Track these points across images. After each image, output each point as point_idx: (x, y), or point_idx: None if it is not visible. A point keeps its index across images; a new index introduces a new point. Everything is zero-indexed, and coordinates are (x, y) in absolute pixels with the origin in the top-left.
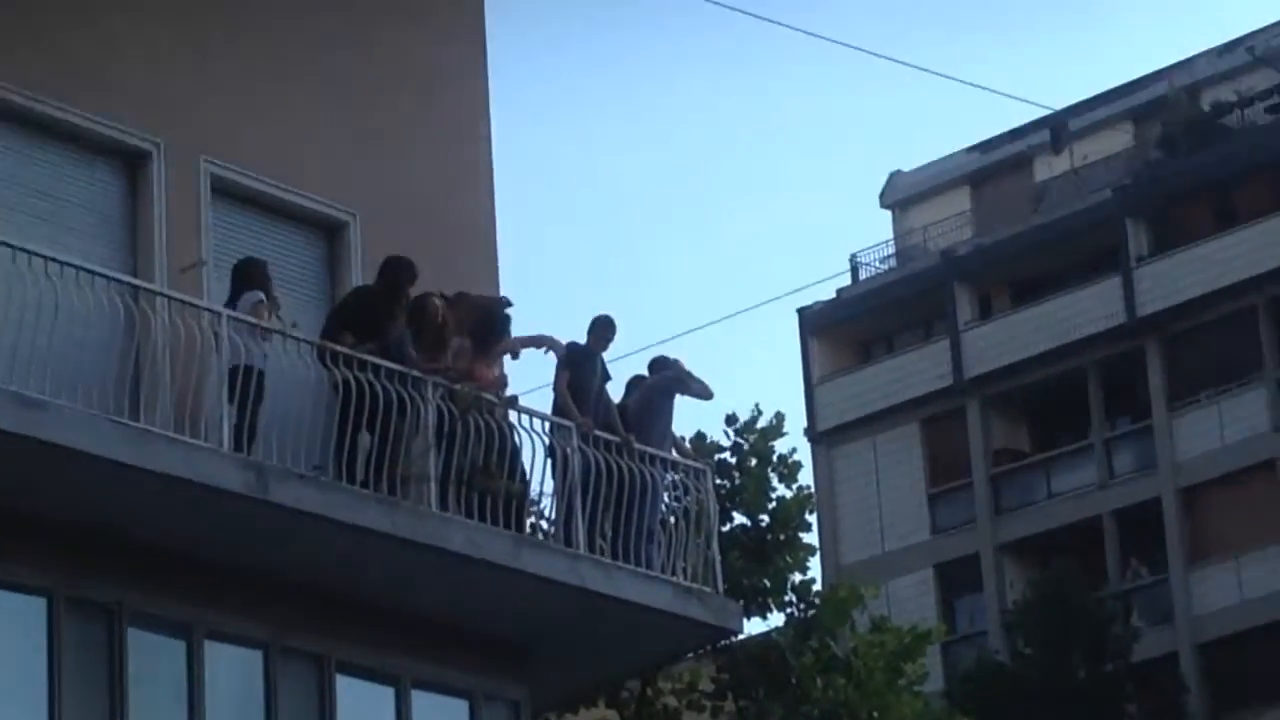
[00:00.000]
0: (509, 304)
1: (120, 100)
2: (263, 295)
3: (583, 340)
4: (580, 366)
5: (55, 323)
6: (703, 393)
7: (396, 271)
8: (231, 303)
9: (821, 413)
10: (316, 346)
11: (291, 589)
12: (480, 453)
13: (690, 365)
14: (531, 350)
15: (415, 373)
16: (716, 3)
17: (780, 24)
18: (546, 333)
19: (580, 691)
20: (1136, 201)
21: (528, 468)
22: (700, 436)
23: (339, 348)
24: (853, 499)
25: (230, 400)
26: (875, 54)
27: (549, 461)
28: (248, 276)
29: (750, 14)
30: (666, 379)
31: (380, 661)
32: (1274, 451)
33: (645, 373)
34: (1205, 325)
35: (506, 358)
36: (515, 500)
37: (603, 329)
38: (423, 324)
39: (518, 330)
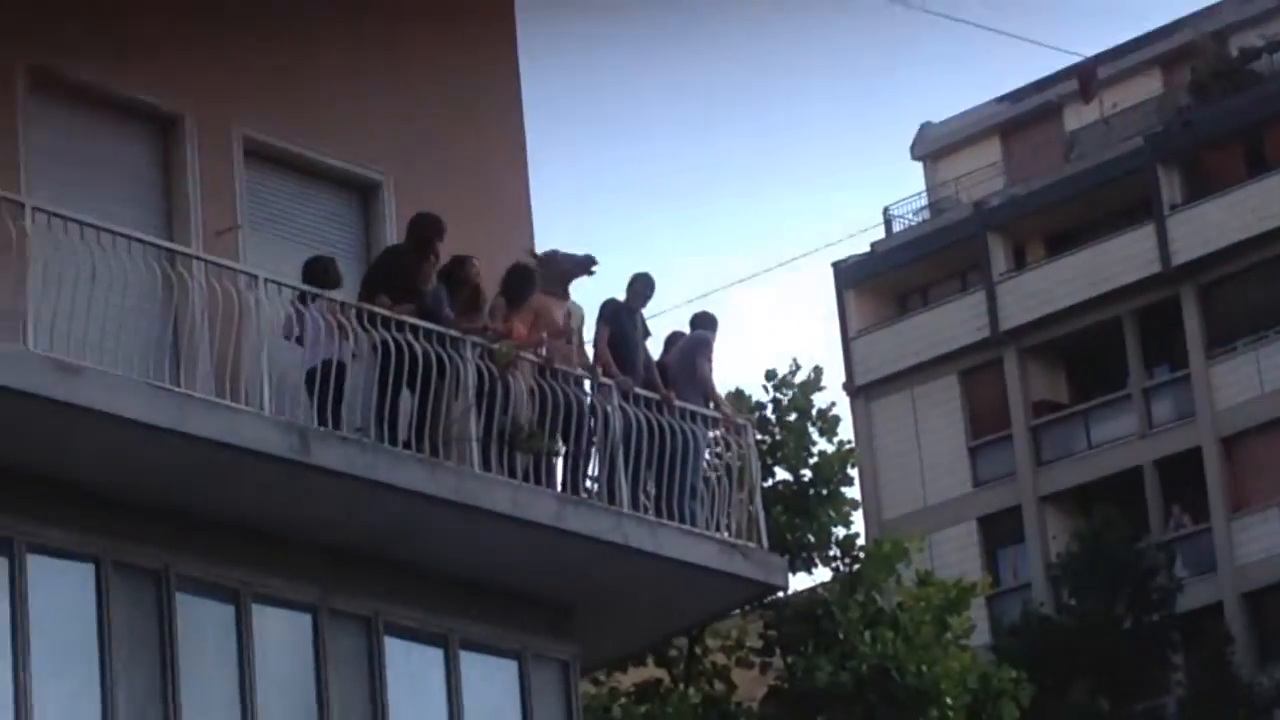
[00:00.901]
0: (594, 263)
1: (153, 66)
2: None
3: (621, 297)
4: (619, 322)
5: (93, 288)
6: (703, 376)
7: (425, 228)
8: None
9: (859, 366)
10: (355, 309)
11: (338, 551)
12: (521, 412)
13: (727, 322)
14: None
15: (453, 332)
16: None
17: None
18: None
19: (629, 650)
20: (1167, 149)
21: (571, 427)
22: (739, 393)
23: (376, 309)
24: (893, 453)
25: (311, 395)
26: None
27: (590, 420)
28: (324, 275)
29: None
30: (698, 338)
31: (428, 622)
32: None
33: (685, 329)
34: (1241, 272)
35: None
36: (558, 459)
37: (641, 286)
38: (460, 284)
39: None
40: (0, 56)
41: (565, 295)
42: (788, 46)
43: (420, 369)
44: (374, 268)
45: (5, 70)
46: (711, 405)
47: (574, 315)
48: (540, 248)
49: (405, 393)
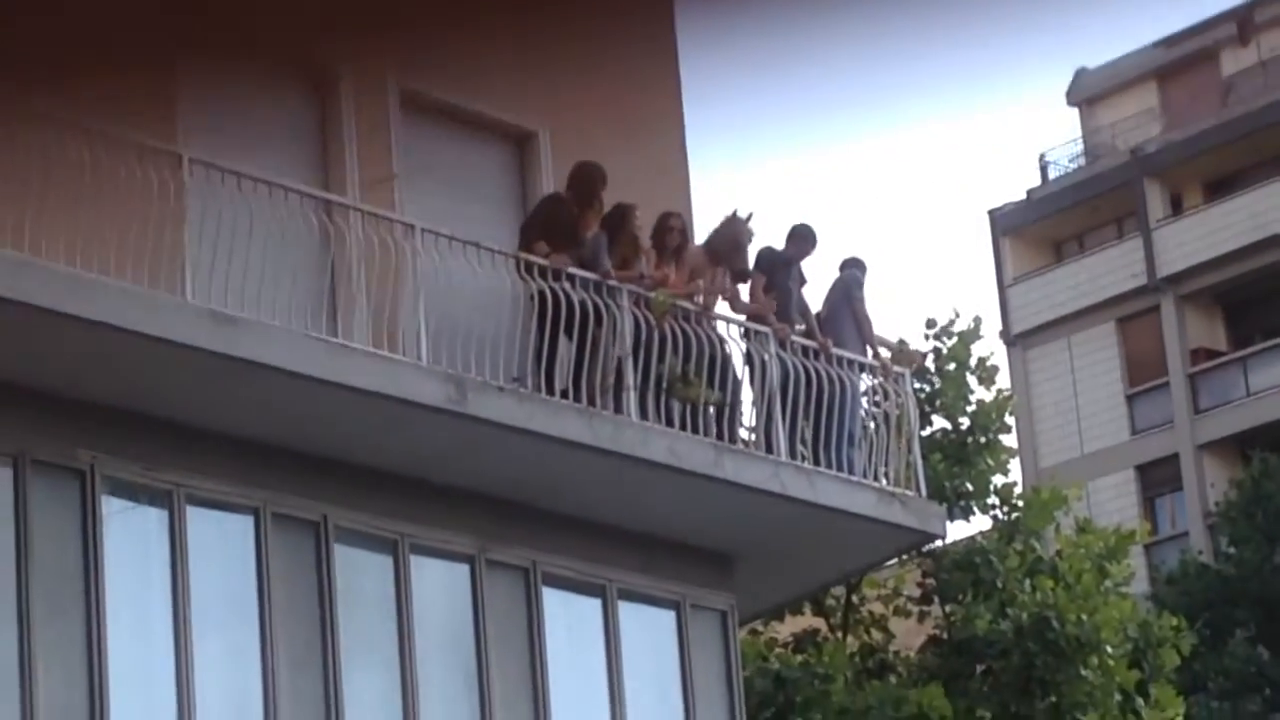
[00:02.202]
0: (749, 218)
1: (309, 21)
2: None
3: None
4: (776, 271)
5: (250, 240)
6: (862, 316)
7: (588, 176)
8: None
9: (1015, 315)
10: (512, 258)
11: (495, 502)
12: (679, 361)
13: (884, 269)
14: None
15: (611, 281)
16: None
17: None
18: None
19: (786, 599)
20: None
21: (730, 374)
22: (901, 342)
23: (534, 258)
24: (1050, 401)
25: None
26: None
27: (747, 368)
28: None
29: None
30: (848, 278)
31: (585, 572)
32: None
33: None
34: None
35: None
36: (717, 408)
37: (802, 238)
38: (620, 233)
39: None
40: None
41: (717, 263)
42: None
43: (577, 317)
44: (534, 215)
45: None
46: (869, 350)
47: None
48: (696, 199)
49: (562, 341)
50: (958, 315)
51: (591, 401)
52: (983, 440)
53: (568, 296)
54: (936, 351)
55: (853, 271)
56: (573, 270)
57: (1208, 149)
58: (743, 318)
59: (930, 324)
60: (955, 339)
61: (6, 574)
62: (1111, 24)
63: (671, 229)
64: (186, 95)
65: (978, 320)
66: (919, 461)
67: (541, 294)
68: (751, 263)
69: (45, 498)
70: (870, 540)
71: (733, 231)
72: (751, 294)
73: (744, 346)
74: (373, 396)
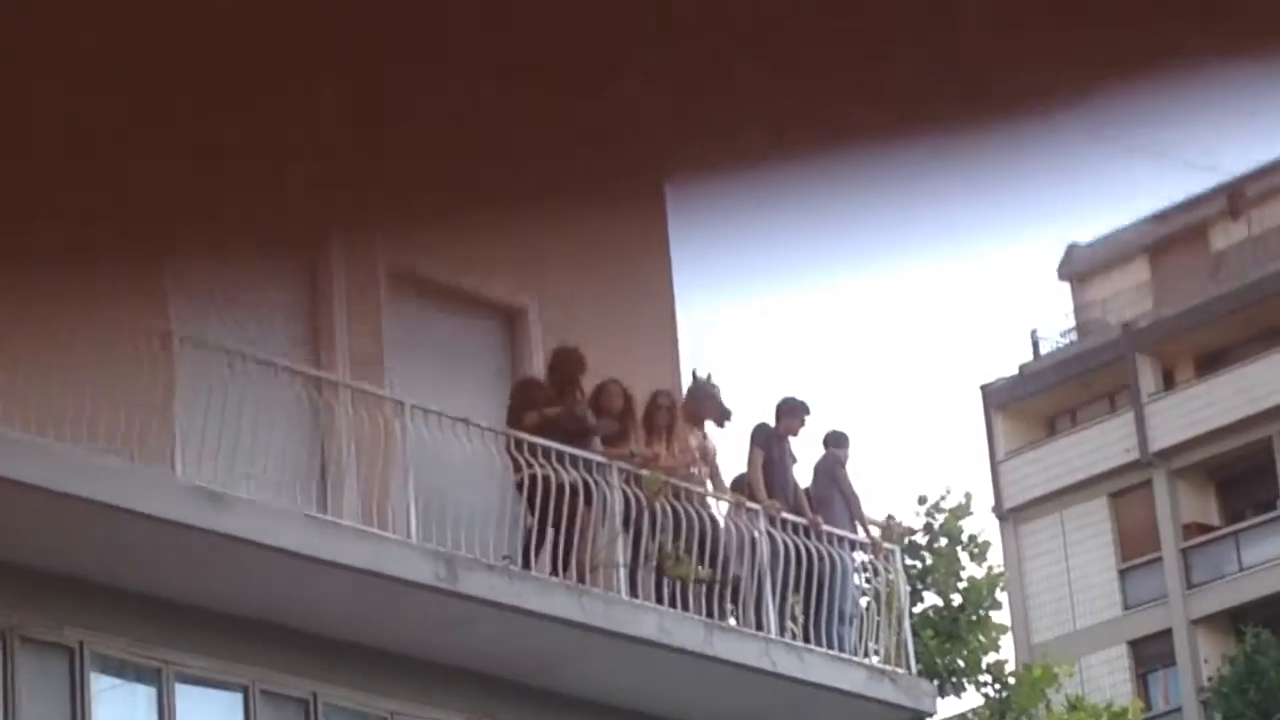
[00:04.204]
0: (729, 418)
1: (297, 195)
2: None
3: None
4: (770, 448)
5: (241, 416)
6: (849, 493)
7: (565, 362)
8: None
9: (1008, 489)
10: (502, 435)
11: (485, 679)
12: (669, 538)
13: (876, 445)
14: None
15: (599, 459)
16: None
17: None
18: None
19: None
20: None
21: (720, 552)
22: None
23: (525, 435)
24: (1042, 576)
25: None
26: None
27: (738, 545)
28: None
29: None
30: (830, 457)
31: None
32: None
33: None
34: None
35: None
36: (707, 585)
37: (793, 411)
38: (604, 411)
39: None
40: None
41: (699, 425)
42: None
43: (566, 496)
44: (512, 399)
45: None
46: (859, 526)
47: (709, 447)
48: (685, 372)
49: (550, 520)
50: (949, 491)
51: (581, 579)
52: (974, 617)
53: (556, 474)
54: (928, 527)
55: (834, 451)
56: (561, 447)
57: (1199, 323)
58: (732, 496)
59: (922, 500)
60: (947, 515)
61: None
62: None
63: (661, 407)
64: (177, 271)
65: (969, 496)
66: (909, 638)
67: (532, 476)
68: (750, 438)
69: (34, 674)
70: (861, 717)
71: (700, 389)
72: (749, 469)
73: (731, 524)
74: (363, 574)
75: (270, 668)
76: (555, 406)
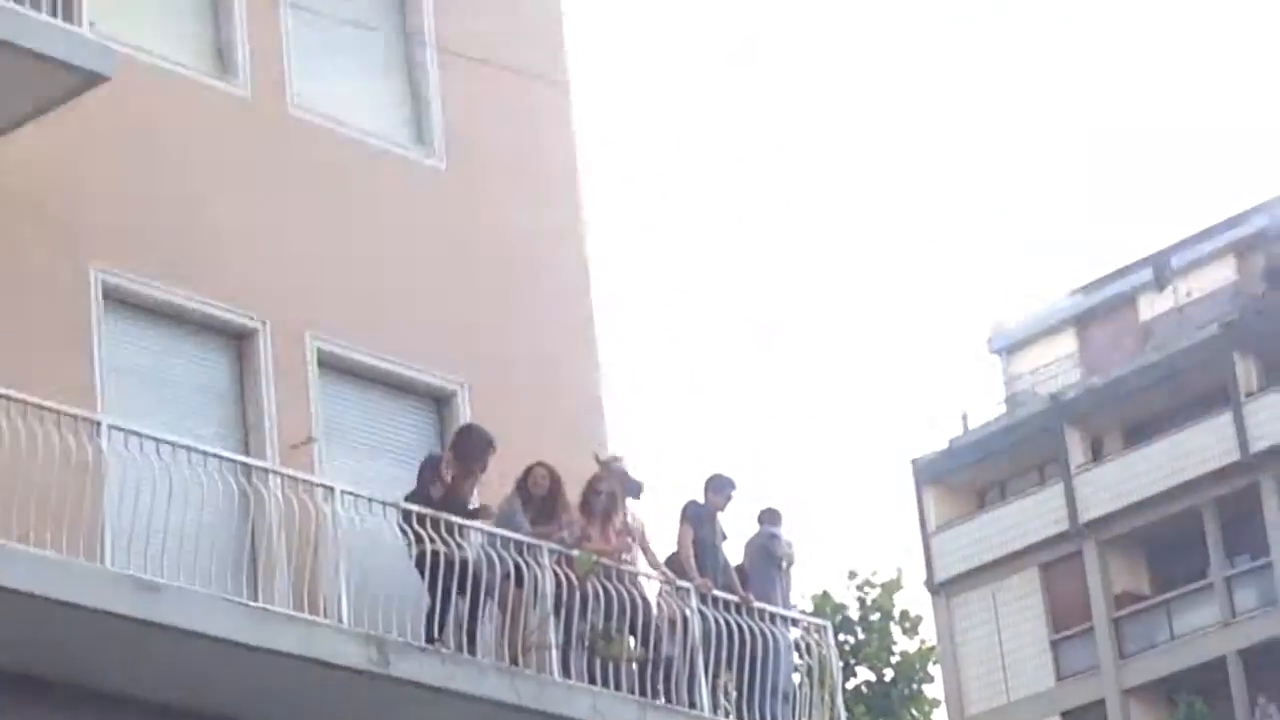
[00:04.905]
0: (641, 491)
1: (225, 280)
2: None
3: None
4: (701, 525)
5: (170, 504)
6: (787, 556)
7: (464, 442)
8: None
9: (939, 562)
10: (429, 518)
11: None
12: (601, 618)
13: (805, 522)
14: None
15: (530, 540)
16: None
17: (884, 168)
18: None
19: None
20: (1244, 336)
21: (652, 631)
22: (825, 596)
23: (454, 518)
24: (975, 648)
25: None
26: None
27: (668, 624)
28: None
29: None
30: (764, 534)
31: None
32: None
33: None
34: None
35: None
36: (639, 664)
37: (719, 486)
38: (529, 493)
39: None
40: (73, 276)
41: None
42: (860, 238)
43: (498, 576)
44: (419, 477)
45: (79, 289)
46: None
47: (634, 522)
48: (613, 449)
49: (485, 601)
50: (876, 572)
51: (514, 661)
52: (907, 691)
53: (488, 556)
54: (861, 602)
55: (768, 528)
56: (492, 530)
57: (1127, 394)
58: (656, 572)
59: (852, 575)
60: (879, 590)
61: None
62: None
63: (600, 493)
64: (105, 359)
65: (900, 571)
66: (843, 714)
67: (423, 551)
68: (679, 516)
69: None
70: None
71: (609, 471)
72: (679, 546)
73: (666, 602)
74: (294, 659)
75: None
76: (455, 490)
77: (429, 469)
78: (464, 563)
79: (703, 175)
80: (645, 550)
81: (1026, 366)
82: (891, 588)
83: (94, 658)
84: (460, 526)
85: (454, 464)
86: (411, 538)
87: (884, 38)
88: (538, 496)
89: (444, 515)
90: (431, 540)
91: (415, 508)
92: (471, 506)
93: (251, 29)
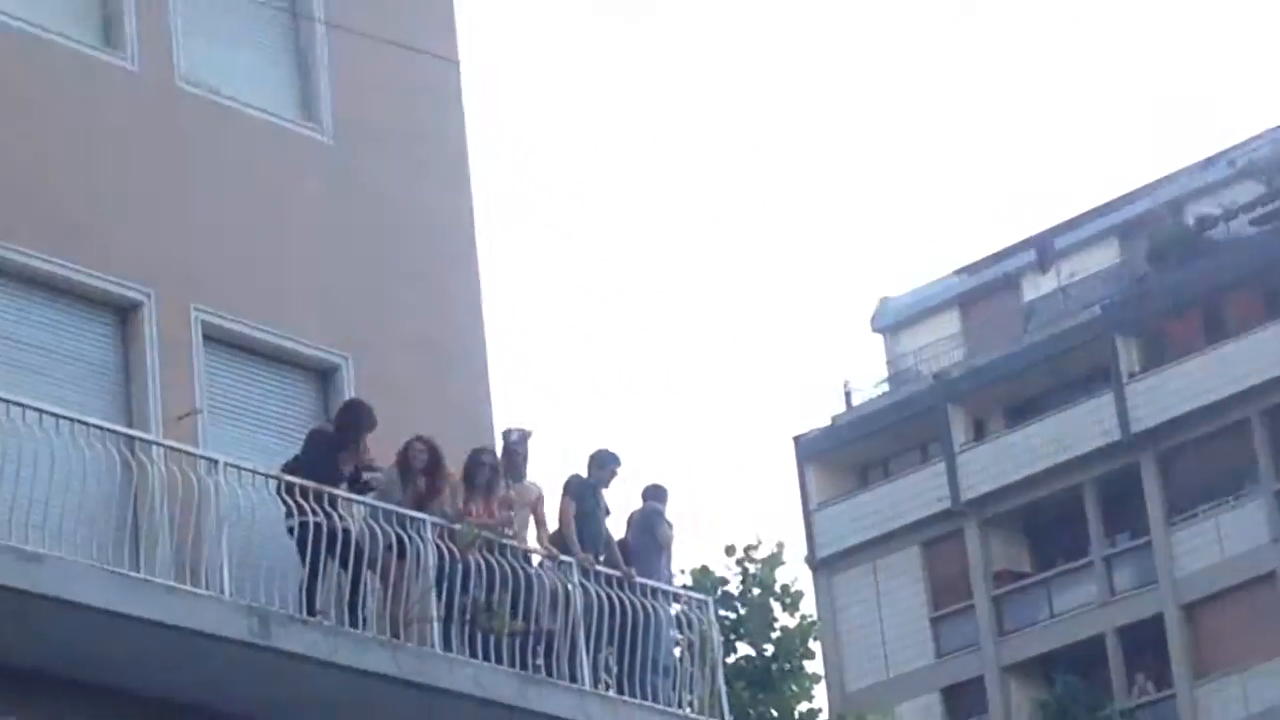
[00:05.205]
0: (527, 435)
1: (110, 252)
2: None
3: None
4: (584, 499)
5: (52, 475)
6: (664, 539)
7: (348, 417)
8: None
9: (820, 539)
10: (312, 491)
11: None
12: (483, 591)
13: (688, 495)
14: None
15: (411, 513)
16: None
17: (767, 149)
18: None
19: None
20: (1126, 318)
21: (534, 605)
22: (705, 570)
23: (337, 491)
24: (855, 625)
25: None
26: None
27: (550, 598)
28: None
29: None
30: (649, 510)
31: None
32: (1274, 563)
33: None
34: (1200, 439)
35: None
36: (520, 638)
37: (602, 462)
38: (410, 468)
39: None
40: None
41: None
42: (745, 217)
43: (380, 550)
44: (304, 451)
45: None
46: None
47: (523, 495)
48: (498, 424)
49: (367, 574)
50: (759, 541)
51: (395, 633)
52: (787, 666)
53: (371, 529)
54: (741, 578)
55: (653, 504)
56: (374, 503)
57: (1009, 374)
58: (538, 545)
59: (729, 550)
60: (760, 565)
61: None
62: (915, 252)
63: (483, 465)
64: None
65: (781, 546)
66: (723, 689)
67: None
68: (562, 490)
69: None
70: None
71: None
72: (560, 520)
73: (546, 575)
74: (176, 630)
75: None
76: (333, 461)
77: (317, 443)
78: (346, 534)
79: (591, 151)
80: (540, 523)
81: (910, 345)
82: (772, 562)
83: None
84: (343, 500)
85: (338, 440)
86: (294, 507)
87: (771, 7)
88: (418, 470)
89: (324, 488)
90: (314, 513)
91: (297, 481)
92: (373, 477)
93: (139, 2)
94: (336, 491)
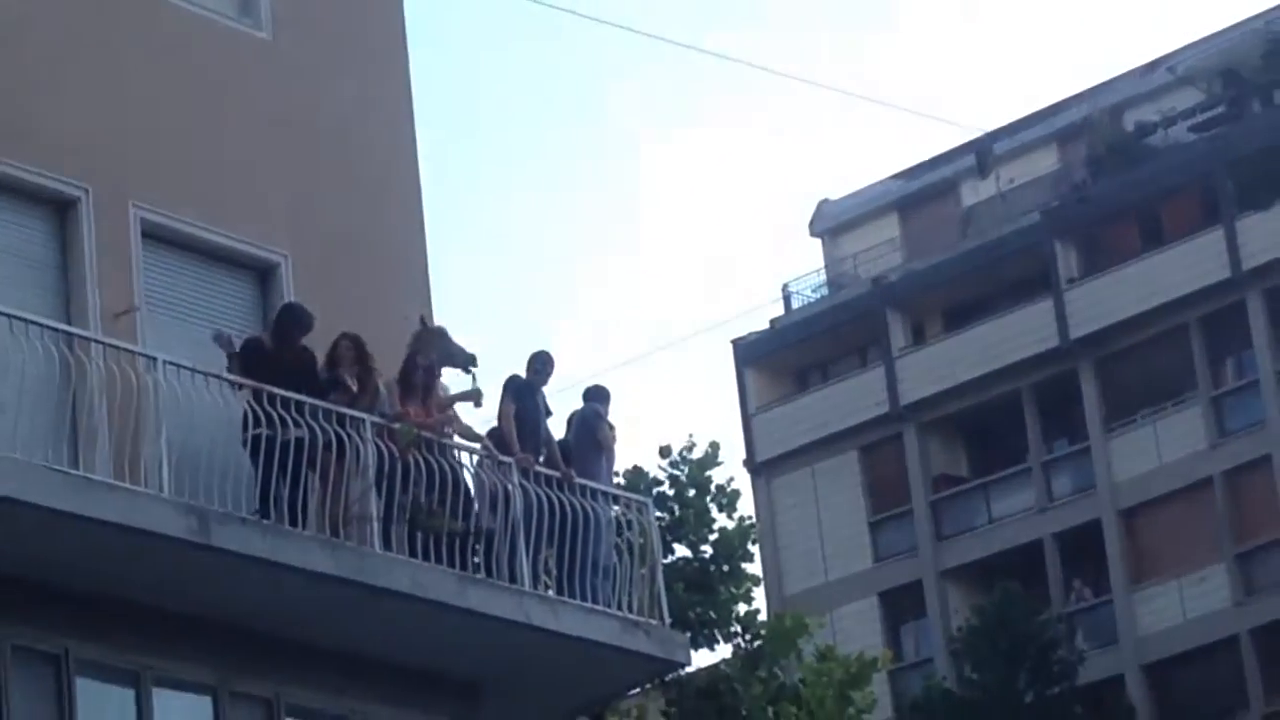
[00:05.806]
0: (474, 364)
1: (47, 148)
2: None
3: (522, 374)
4: (524, 400)
5: None
6: (605, 441)
7: (288, 319)
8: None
9: (759, 443)
10: (252, 390)
11: (238, 633)
12: (422, 491)
13: (626, 400)
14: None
15: (350, 412)
16: (638, 32)
17: (706, 51)
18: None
19: None
20: (1064, 223)
21: (473, 505)
22: (638, 471)
23: (278, 390)
24: (794, 529)
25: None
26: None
27: (489, 498)
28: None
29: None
30: (590, 410)
31: (330, 703)
32: (1211, 470)
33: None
34: (1138, 345)
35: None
36: (459, 538)
37: (541, 363)
38: (336, 364)
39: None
40: None
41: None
42: (684, 120)
43: (319, 449)
44: (241, 356)
45: None
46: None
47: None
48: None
49: (306, 473)
50: (694, 443)
51: (335, 532)
52: (725, 568)
53: (311, 429)
54: (674, 479)
55: (594, 405)
56: (313, 402)
57: (948, 279)
58: (478, 445)
59: (664, 451)
60: (693, 465)
61: None
62: (854, 156)
63: (419, 367)
64: None
65: (715, 445)
66: (662, 590)
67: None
68: (501, 390)
69: None
70: (614, 669)
71: (430, 334)
72: (500, 421)
73: (484, 475)
74: (114, 528)
75: (20, 624)
76: (272, 365)
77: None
78: (299, 442)
79: (533, 52)
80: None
81: (849, 249)
82: (706, 463)
83: None
84: (310, 407)
85: (273, 344)
86: (261, 416)
87: None
88: (345, 367)
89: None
90: (282, 423)
91: (249, 382)
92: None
93: None
94: (316, 402)
